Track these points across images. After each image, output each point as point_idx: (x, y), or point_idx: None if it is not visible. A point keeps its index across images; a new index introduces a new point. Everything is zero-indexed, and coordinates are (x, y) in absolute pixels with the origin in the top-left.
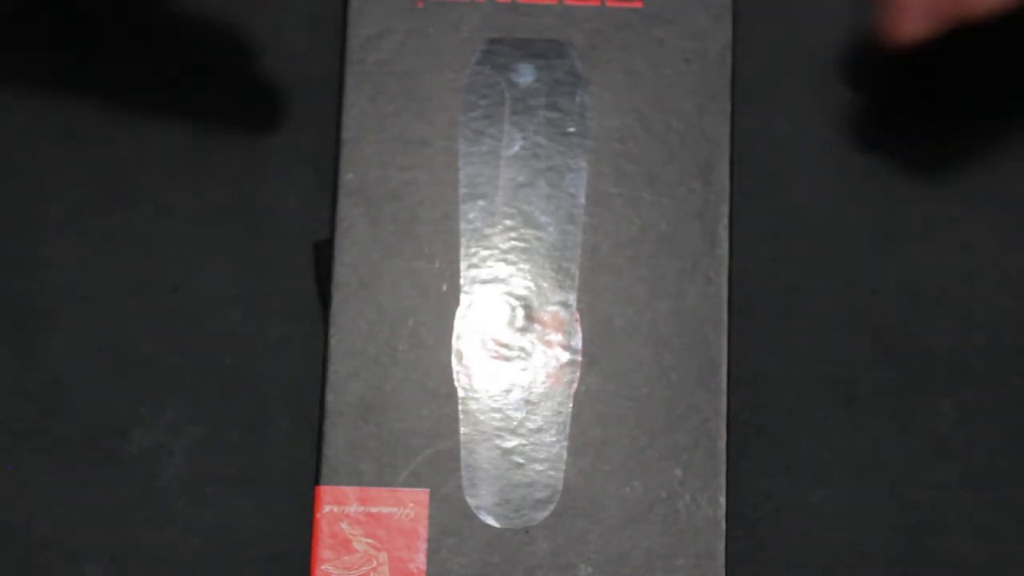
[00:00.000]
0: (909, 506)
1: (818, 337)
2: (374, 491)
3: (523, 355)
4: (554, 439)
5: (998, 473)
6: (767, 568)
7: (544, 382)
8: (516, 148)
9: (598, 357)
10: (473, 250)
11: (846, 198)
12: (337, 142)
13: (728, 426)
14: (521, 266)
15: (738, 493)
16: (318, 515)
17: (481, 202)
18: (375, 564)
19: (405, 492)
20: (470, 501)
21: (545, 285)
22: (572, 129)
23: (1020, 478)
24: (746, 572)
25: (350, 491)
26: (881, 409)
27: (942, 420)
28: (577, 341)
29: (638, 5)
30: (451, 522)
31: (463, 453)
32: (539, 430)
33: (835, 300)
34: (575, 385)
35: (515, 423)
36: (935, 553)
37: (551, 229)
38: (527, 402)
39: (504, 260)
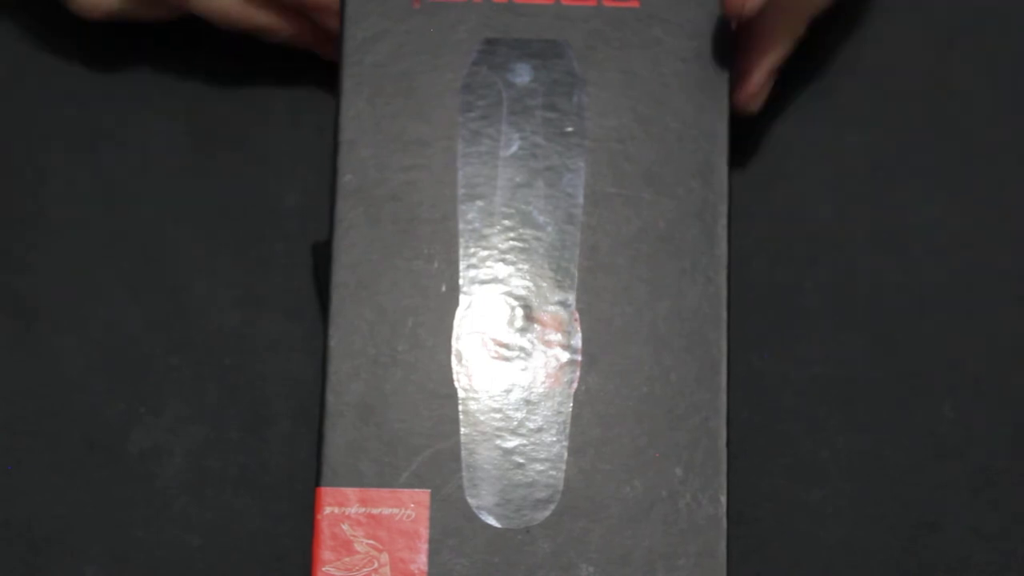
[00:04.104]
0: (909, 506)
1: (818, 337)
2: (375, 492)
3: (523, 355)
4: (554, 439)
5: (998, 473)
6: (767, 568)
7: (544, 382)
8: (514, 148)
9: (598, 357)
10: (472, 250)
11: (846, 198)
12: (335, 144)
13: (728, 425)
14: (520, 266)
15: (738, 493)
16: (319, 516)
17: (480, 202)
18: (376, 565)
19: (406, 493)
20: (471, 501)
21: (544, 285)
22: (570, 129)
23: (1020, 478)
24: (746, 573)
25: (351, 492)
26: (881, 409)
27: (942, 420)
28: (577, 341)
29: (635, 5)
30: (452, 522)
31: (463, 453)
32: (539, 430)
33: (835, 300)
34: (575, 385)
35: (515, 423)
36: (935, 553)
37: (550, 229)
38: (527, 402)
39: (503, 260)
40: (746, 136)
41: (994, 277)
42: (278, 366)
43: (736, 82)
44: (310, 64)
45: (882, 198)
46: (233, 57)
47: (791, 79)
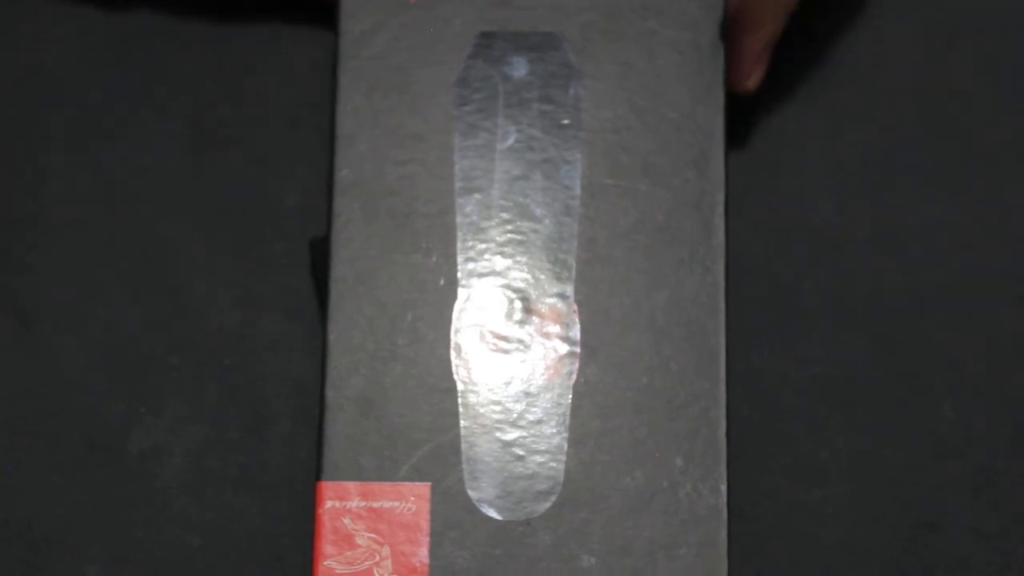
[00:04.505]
0: (909, 506)
1: (818, 337)
2: (375, 486)
3: (522, 347)
4: (554, 430)
5: (998, 473)
6: (767, 567)
7: (543, 374)
8: (511, 141)
9: (597, 348)
10: (470, 244)
11: (846, 197)
12: (332, 139)
13: (728, 419)
14: (518, 259)
15: (738, 492)
16: (320, 511)
17: (477, 196)
18: (378, 559)
19: (406, 486)
20: (471, 494)
21: (542, 277)
22: (566, 121)
23: (1020, 478)
24: (746, 572)
25: (351, 486)
26: (881, 409)
27: (942, 420)
28: (575, 332)
29: None
30: (453, 515)
31: (463, 446)
32: (539, 422)
33: (835, 300)
34: (574, 376)
35: (515, 415)
36: (935, 553)
37: (547, 221)
38: (526, 394)
39: (501, 253)
40: (747, 135)
41: (994, 277)
42: (278, 366)
43: (730, 60)
44: (311, 64)
45: (882, 198)
46: (234, 57)
47: (791, 78)
